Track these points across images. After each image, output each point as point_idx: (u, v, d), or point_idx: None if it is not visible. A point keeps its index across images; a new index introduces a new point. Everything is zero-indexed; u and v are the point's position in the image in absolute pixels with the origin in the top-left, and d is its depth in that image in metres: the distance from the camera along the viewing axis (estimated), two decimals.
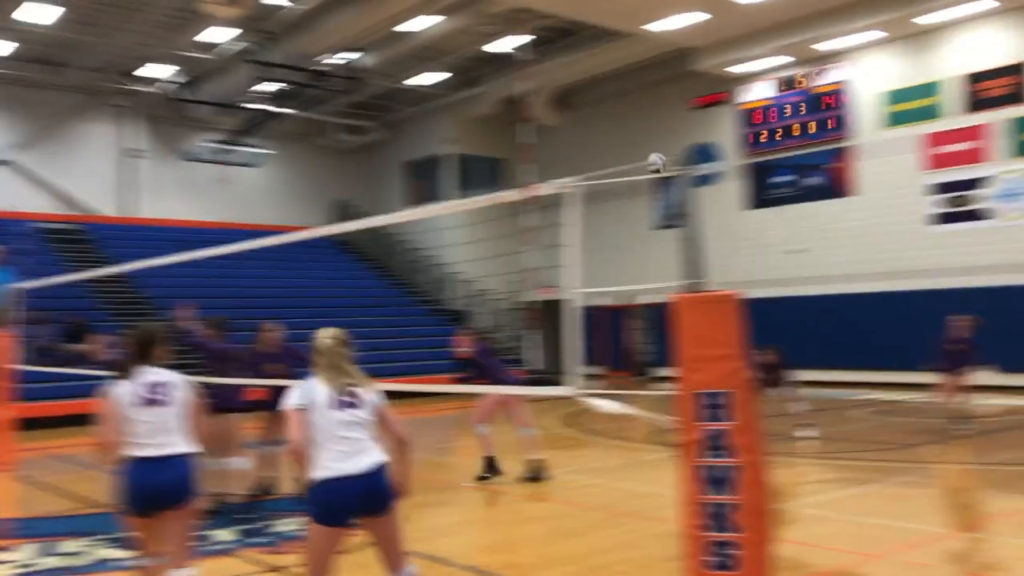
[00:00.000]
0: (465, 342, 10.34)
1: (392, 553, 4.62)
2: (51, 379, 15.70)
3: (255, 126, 24.70)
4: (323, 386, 4.62)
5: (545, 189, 4.90)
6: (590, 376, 10.48)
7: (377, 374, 9.79)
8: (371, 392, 4.71)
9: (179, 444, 5.07)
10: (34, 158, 24.83)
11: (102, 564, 6.72)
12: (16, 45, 22.00)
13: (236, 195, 27.70)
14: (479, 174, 27.82)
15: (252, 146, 25.58)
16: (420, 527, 7.83)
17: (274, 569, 6.55)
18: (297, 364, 8.56)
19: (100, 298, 21.84)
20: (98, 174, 25.91)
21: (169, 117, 26.56)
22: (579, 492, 9.47)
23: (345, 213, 29.87)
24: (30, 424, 13.56)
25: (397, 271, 28.92)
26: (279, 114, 25.85)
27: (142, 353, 5.20)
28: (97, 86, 25.18)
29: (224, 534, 7.52)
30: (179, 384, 5.22)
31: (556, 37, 23.07)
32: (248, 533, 7.63)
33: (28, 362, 12.93)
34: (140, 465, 4.94)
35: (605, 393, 5.24)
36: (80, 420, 16.49)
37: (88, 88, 25.18)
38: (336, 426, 4.49)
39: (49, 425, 15.65)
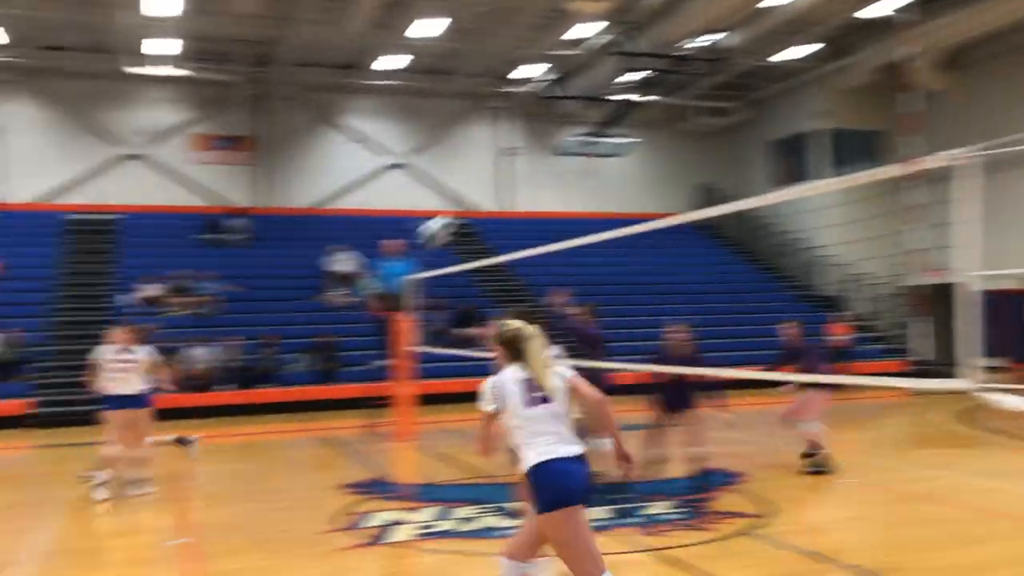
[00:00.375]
0: (792, 330, 10.03)
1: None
2: (444, 360, 17.32)
3: (619, 116, 25.26)
4: (516, 382, 4.50)
5: (933, 161, 4.42)
6: (989, 368, 9.38)
7: (742, 362, 9.62)
8: (558, 377, 4.54)
9: None
10: (425, 160, 27.50)
11: (488, 531, 7.25)
12: (410, 58, 24.48)
13: (603, 185, 28.55)
14: (853, 149, 26.10)
15: (617, 136, 26.19)
16: (798, 521, 7.54)
17: (648, 549, 6.63)
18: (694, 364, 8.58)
19: (485, 286, 23.66)
20: (479, 172, 28.08)
21: (540, 114, 28.05)
22: (979, 496, 8.53)
23: (709, 197, 29.54)
24: (427, 400, 15.06)
25: (764, 255, 28.09)
26: (642, 102, 26.14)
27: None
28: (477, 90, 27.28)
29: (598, 512, 7.77)
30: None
31: None
32: (621, 513, 7.80)
33: (425, 344, 14.33)
34: None
35: (1008, 388, 4.64)
36: (470, 397, 17.94)
37: (469, 93, 27.37)
38: (536, 422, 4.40)
39: (443, 401, 17.27)
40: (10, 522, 8.65)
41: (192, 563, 6.54)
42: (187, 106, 25.32)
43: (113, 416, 9.35)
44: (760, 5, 20.43)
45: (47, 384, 17.38)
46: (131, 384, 9.38)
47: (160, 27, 21.33)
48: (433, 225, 6.75)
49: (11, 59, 22.84)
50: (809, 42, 23.93)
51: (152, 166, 24.97)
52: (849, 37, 24.03)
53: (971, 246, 4.56)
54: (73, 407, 16.69)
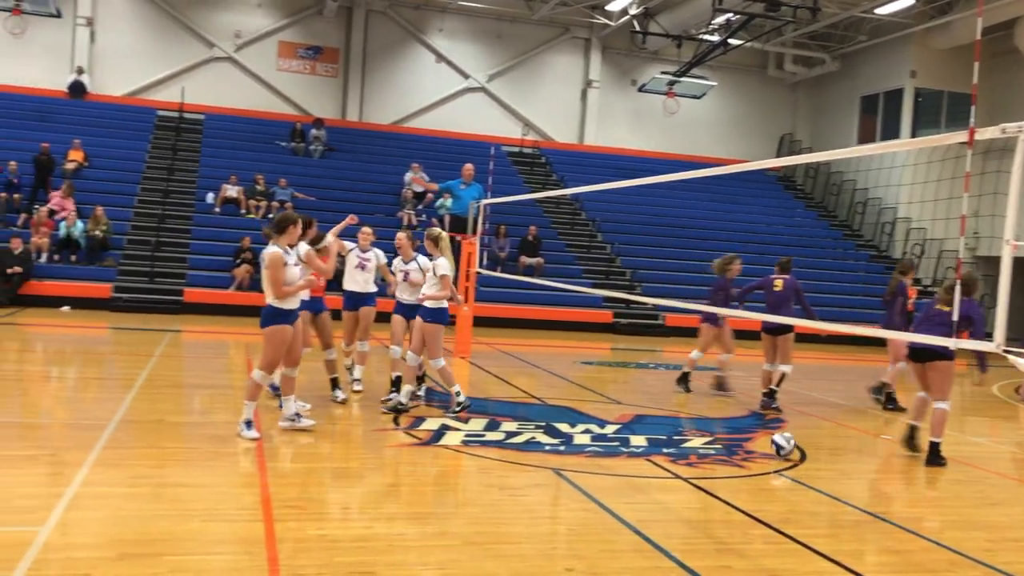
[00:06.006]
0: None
1: None
2: (502, 285, 17.75)
3: (704, 57, 24.98)
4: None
5: (990, 132, 4.58)
6: None
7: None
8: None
9: None
10: (505, 86, 27.55)
11: (531, 444, 7.70)
12: None
13: (681, 126, 28.33)
14: (946, 111, 25.52)
15: (699, 77, 25.93)
16: (828, 468, 7.85)
17: (674, 476, 6.99)
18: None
19: (550, 217, 23.92)
20: (557, 102, 28.05)
21: (624, 49, 27.87)
22: (1012, 464, 8.72)
23: (791, 148, 29.17)
24: (483, 322, 15.57)
25: (840, 213, 27.75)
26: (728, 45, 25.75)
27: None
28: (563, 19, 27.16)
29: (637, 440, 8.16)
30: None
31: None
32: (658, 443, 8.18)
33: (486, 268, 14.75)
34: None
35: None
36: (521, 324, 18.59)
37: (555, 21, 27.27)
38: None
39: (497, 324, 17.78)
40: (97, 392, 9.50)
41: (259, 444, 7.11)
42: (279, 12, 25.76)
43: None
44: None
45: (127, 272, 18.35)
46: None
47: None
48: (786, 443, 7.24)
49: None
50: None
51: (240, 69, 25.57)
52: None
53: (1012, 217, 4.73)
54: (148, 295, 17.71)
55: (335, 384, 9.13)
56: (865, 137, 27.03)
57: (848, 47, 27.25)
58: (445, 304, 8.76)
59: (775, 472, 7.33)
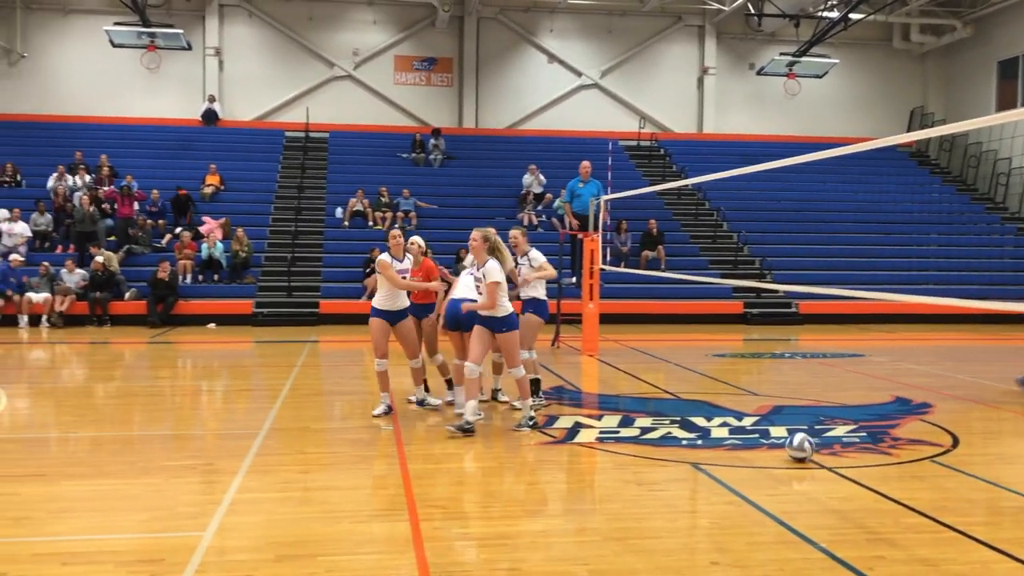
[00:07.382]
0: None
1: None
2: (625, 280, 17.59)
3: (824, 35, 24.14)
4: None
5: None
6: None
7: (951, 295, 9.38)
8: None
9: None
10: (618, 80, 27.36)
11: (668, 440, 7.63)
12: None
13: (803, 108, 27.48)
14: None
15: (820, 56, 25.07)
16: (983, 452, 7.49)
17: (820, 467, 6.80)
18: None
19: (672, 209, 23.61)
20: (673, 93, 27.67)
21: (738, 33, 27.23)
22: None
23: (923, 122, 27.88)
24: (608, 318, 15.50)
25: (980, 186, 26.33)
26: (849, 20, 24.82)
27: None
28: (674, 8, 26.78)
29: (777, 431, 7.98)
30: None
31: None
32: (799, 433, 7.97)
33: (608, 264, 14.68)
34: None
35: None
36: (645, 319, 18.41)
37: (666, 11, 26.92)
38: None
39: (621, 321, 17.65)
40: (246, 403, 9.97)
41: (399, 447, 7.30)
42: (393, 28, 26.39)
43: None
44: None
45: (266, 288, 19.16)
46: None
47: None
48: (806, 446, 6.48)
49: None
50: None
51: (359, 86, 26.32)
52: None
53: None
54: (287, 309, 18.42)
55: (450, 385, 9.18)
56: (1005, 104, 25.54)
57: (981, 11, 25.82)
58: (511, 309, 8.03)
59: (928, 459, 7.03)
